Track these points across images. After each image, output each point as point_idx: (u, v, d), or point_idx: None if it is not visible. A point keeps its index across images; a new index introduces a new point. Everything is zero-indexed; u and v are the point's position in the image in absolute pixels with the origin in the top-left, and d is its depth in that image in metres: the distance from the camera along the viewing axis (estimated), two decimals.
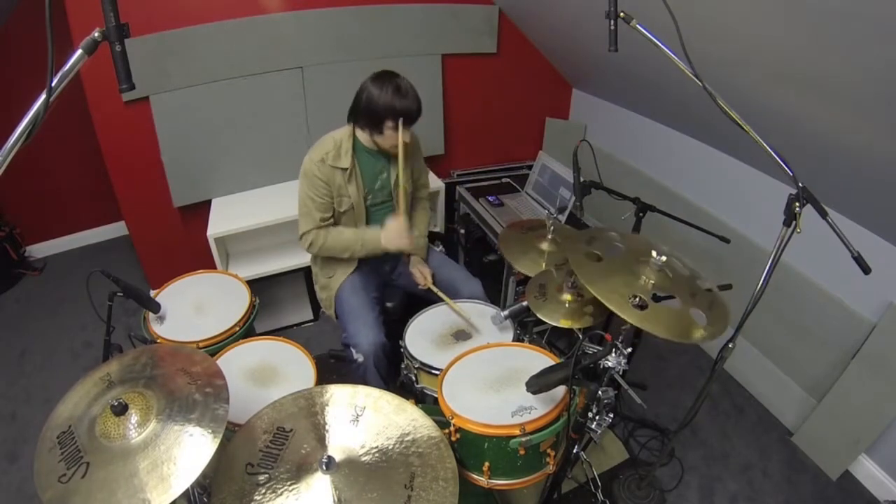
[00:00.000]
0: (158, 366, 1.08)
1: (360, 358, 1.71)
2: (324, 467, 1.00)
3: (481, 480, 1.28)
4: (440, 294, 1.82)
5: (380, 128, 1.68)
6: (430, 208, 2.18)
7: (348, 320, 1.81)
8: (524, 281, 2.23)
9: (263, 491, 0.99)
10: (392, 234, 1.79)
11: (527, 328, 1.76)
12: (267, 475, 1.01)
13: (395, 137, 1.67)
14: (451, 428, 1.23)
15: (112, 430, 0.93)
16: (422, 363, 1.54)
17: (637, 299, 1.25)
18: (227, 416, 0.96)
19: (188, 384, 1.02)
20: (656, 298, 1.26)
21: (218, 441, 0.92)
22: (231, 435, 1.11)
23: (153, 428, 0.94)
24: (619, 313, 1.20)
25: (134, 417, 0.94)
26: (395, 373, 1.77)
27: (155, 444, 0.91)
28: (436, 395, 1.34)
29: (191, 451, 0.90)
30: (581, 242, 1.42)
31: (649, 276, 1.31)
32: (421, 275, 1.92)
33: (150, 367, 1.07)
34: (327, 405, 1.17)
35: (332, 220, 1.84)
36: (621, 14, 1.12)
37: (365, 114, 1.69)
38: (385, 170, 1.87)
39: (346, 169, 1.76)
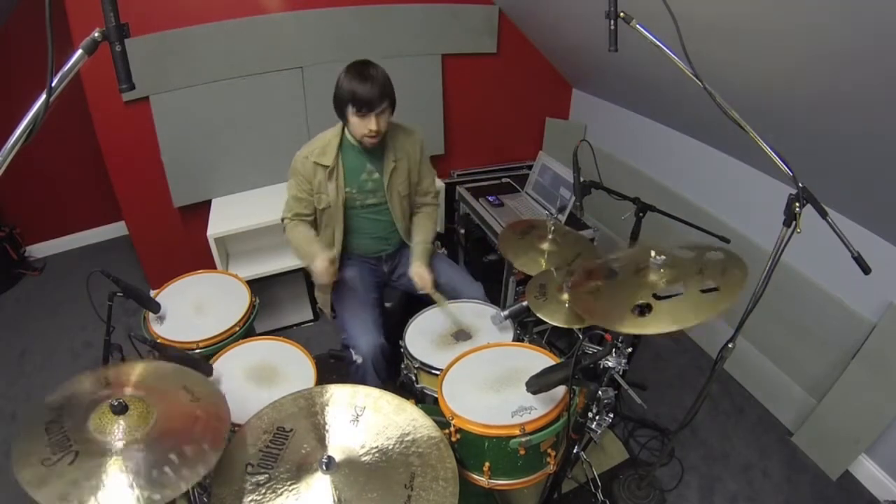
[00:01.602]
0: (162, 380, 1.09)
1: (358, 359, 1.70)
2: (324, 467, 1.00)
3: (481, 480, 1.28)
4: (440, 300, 1.78)
5: (344, 115, 1.68)
6: (435, 213, 2.10)
7: (347, 321, 1.80)
8: (524, 281, 2.23)
9: (263, 491, 0.98)
10: (318, 266, 1.71)
11: (527, 328, 1.77)
12: (267, 475, 1.01)
13: (362, 125, 1.66)
14: (451, 428, 1.23)
15: (106, 427, 0.93)
16: (422, 363, 1.54)
17: (637, 308, 1.19)
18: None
19: (190, 401, 1.03)
20: (658, 297, 1.23)
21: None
22: (231, 435, 1.11)
23: (147, 433, 0.94)
24: (624, 330, 1.15)
25: (133, 418, 0.94)
26: (394, 373, 1.77)
27: (152, 447, 0.92)
28: (436, 395, 1.34)
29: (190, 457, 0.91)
30: (581, 279, 1.37)
31: (656, 280, 1.25)
32: (421, 279, 1.86)
33: (150, 377, 1.08)
34: (327, 405, 1.17)
35: (309, 216, 1.86)
36: (621, 14, 1.12)
37: (335, 102, 1.70)
38: (377, 170, 1.83)
39: (328, 167, 1.75)
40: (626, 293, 1.25)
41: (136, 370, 1.09)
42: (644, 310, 1.19)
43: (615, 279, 1.33)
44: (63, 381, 1.03)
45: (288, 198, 1.86)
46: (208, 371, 1.42)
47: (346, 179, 1.81)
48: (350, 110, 1.64)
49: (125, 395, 0.99)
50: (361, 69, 1.63)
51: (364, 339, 1.71)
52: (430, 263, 1.96)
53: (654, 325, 1.14)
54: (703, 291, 1.18)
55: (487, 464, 1.25)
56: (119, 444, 0.92)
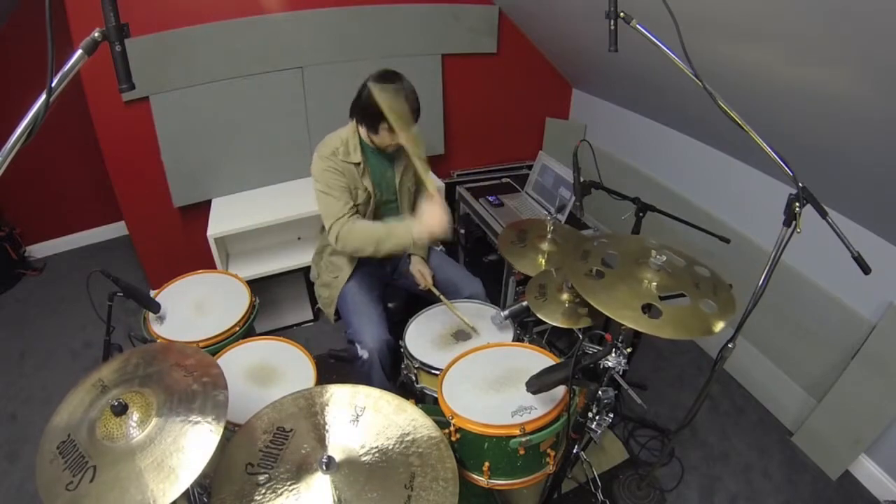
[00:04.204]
0: (151, 364, 1.08)
1: (364, 354, 1.71)
2: (324, 467, 1.00)
3: (481, 480, 1.28)
4: (440, 296, 1.81)
5: (376, 128, 1.68)
6: None
7: (353, 317, 1.81)
8: (524, 281, 2.23)
9: (263, 491, 0.98)
10: (428, 219, 1.59)
11: (527, 328, 1.76)
12: (267, 475, 1.01)
13: (390, 138, 1.68)
14: (451, 428, 1.23)
15: (115, 431, 0.93)
16: (422, 363, 1.54)
17: (650, 309, 1.21)
18: (227, 401, 0.97)
19: (184, 376, 1.03)
20: (664, 298, 1.25)
21: (223, 426, 0.92)
22: (231, 435, 1.11)
23: (156, 423, 0.94)
24: (636, 328, 1.16)
25: (135, 416, 0.94)
26: (396, 372, 1.77)
27: (161, 438, 0.92)
28: (436, 395, 1.34)
29: (197, 439, 0.91)
30: (578, 261, 1.38)
31: (651, 278, 1.29)
32: (421, 275, 1.91)
33: (142, 366, 1.07)
34: (327, 405, 1.17)
35: (356, 209, 1.77)
36: (621, 14, 1.12)
37: (364, 112, 1.69)
38: (389, 168, 1.87)
39: (359, 163, 1.76)
40: (628, 285, 1.27)
41: (125, 362, 1.09)
42: (653, 311, 1.20)
43: (614, 266, 1.35)
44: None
45: (328, 201, 1.72)
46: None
47: (372, 176, 1.82)
48: (384, 126, 1.65)
49: (122, 393, 0.98)
50: (398, 87, 1.62)
51: (369, 332, 1.71)
52: (429, 261, 2.00)
53: (664, 331, 1.16)
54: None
55: (487, 464, 1.25)
56: (131, 445, 0.92)
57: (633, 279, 1.30)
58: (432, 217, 1.59)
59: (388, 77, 1.65)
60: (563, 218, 2.45)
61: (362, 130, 1.77)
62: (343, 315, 1.90)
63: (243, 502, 0.97)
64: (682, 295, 1.27)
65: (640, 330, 1.16)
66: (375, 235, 1.69)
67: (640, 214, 1.85)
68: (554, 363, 1.39)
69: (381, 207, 1.90)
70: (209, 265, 2.35)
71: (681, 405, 2.27)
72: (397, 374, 1.74)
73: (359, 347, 1.72)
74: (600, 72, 2.78)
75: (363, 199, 1.81)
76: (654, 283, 1.28)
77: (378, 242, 1.69)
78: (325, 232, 1.80)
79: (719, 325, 1.20)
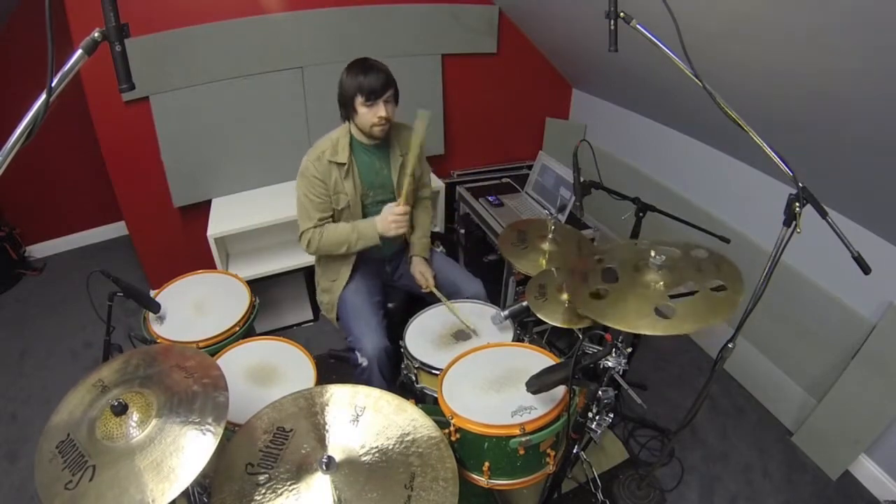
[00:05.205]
0: (152, 365, 1.08)
1: (364, 362, 1.70)
2: (324, 467, 1.00)
3: (481, 480, 1.28)
4: (441, 297, 1.81)
5: (353, 107, 1.68)
6: (431, 207, 2.16)
7: (352, 324, 1.80)
8: (524, 281, 2.23)
9: (263, 491, 0.99)
10: (388, 218, 1.74)
11: (527, 328, 1.76)
12: (267, 475, 1.01)
13: (371, 114, 1.67)
14: (451, 428, 1.23)
15: (114, 431, 0.93)
16: (422, 363, 1.54)
17: (659, 310, 1.17)
18: (227, 402, 0.97)
19: (185, 378, 1.03)
20: (674, 297, 1.20)
21: (223, 427, 0.92)
22: (231, 435, 1.12)
23: (156, 423, 0.94)
24: (653, 333, 1.12)
25: (135, 416, 0.94)
26: (396, 373, 1.77)
27: (160, 438, 0.92)
28: (436, 395, 1.34)
29: (197, 440, 0.91)
30: (580, 284, 1.31)
31: (657, 279, 1.25)
32: (423, 277, 1.90)
33: (143, 367, 1.07)
34: (327, 405, 1.17)
35: (330, 220, 1.83)
36: (621, 14, 1.12)
37: (340, 101, 1.71)
38: (385, 167, 1.86)
39: (343, 164, 1.75)
40: (636, 294, 1.23)
41: (126, 363, 1.09)
42: (665, 311, 1.18)
43: (617, 281, 1.32)
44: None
45: (304, 209, 1.79)
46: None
47: (361, 176, 1.81)
48: (358, 101, 1.66)
49: (122, 393, 0.98)
50: (363, 62, 1.67)
51: (368, 341, 1.71)
52: (430, 260, 2.00)
53: (685, 325, 1.12)
54: (714, 290, 1.18)
55: (487, 464, 1.25)
56: (130, 445, 0.92)
57: (640, 286, 1.25)
58: (390, 213, 1.73)
59: (355, 61, 1.69)
60: (563, 218, 2.45)
61: (355, 129, 1.77)
62: (342, 321, 1.89)
63: (243, 502, 0.97)
64: (692, 292, 1.22)
65: (661, 334, 1.12)
66: (345, 239, 1.78)
67: (640, 214, 1.85)
68: (554, 363, 1.39)
69: (373, 210, 1.87)
70: (209, 265, 2.35)
71: (681, 405, 2.27)
72: (397, 375, 1.74)
73: (358, 355, 1.72)
74: (600, 72, 2.78)
75: (343, 205, 1.81)
76: (661, 283, 1.23)
77: (349, 245, 1.79)
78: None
79: (736, 299, 1.14)
